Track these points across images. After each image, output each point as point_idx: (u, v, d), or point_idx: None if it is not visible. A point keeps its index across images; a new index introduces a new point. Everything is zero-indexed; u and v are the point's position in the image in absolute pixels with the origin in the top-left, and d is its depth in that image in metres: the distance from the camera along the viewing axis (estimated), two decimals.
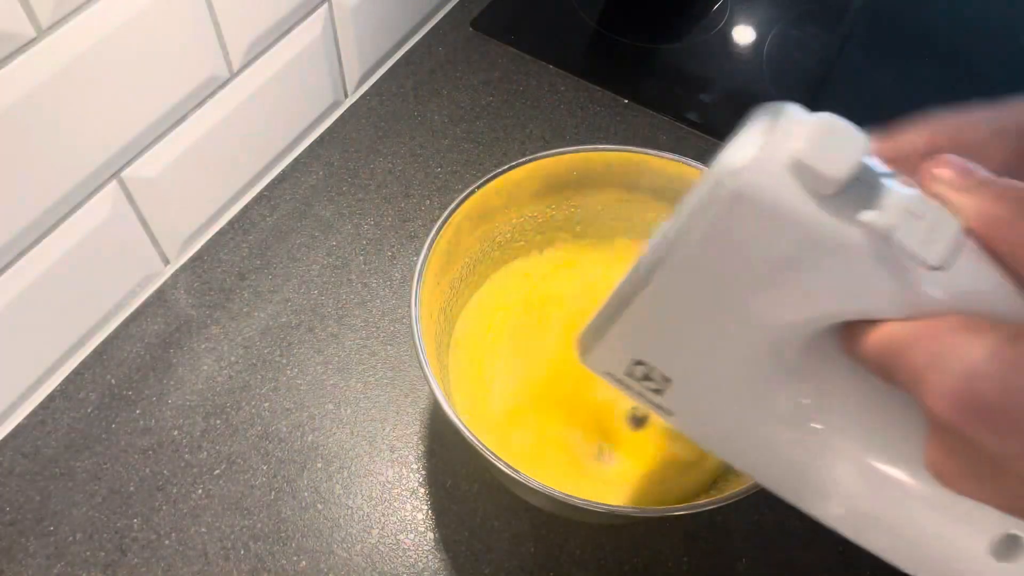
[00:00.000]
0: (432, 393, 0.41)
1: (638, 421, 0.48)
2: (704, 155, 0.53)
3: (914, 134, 0.42)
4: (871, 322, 0.24)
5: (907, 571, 0.28)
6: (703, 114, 0.73)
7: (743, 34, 0.81)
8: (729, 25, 0.81)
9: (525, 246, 0.55)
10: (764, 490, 0.39)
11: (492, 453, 0.39)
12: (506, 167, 0.49)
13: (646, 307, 0.25)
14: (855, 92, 0.78)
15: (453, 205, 0.47)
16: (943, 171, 0.24)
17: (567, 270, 0.55)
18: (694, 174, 0.50)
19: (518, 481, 0.38)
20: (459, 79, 0.75)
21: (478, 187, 0.48)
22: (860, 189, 0.22)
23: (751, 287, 0.24)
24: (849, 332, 0.25)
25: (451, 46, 0.78)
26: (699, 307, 0.25)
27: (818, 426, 0.28)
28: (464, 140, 0.70)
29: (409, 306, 0.43)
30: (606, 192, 0.52)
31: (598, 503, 0.38)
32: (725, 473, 0.47)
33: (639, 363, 0.27)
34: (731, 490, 0.39)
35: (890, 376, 0.24)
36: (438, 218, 0.47)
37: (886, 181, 0.23)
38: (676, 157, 0.50)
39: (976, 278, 0.23)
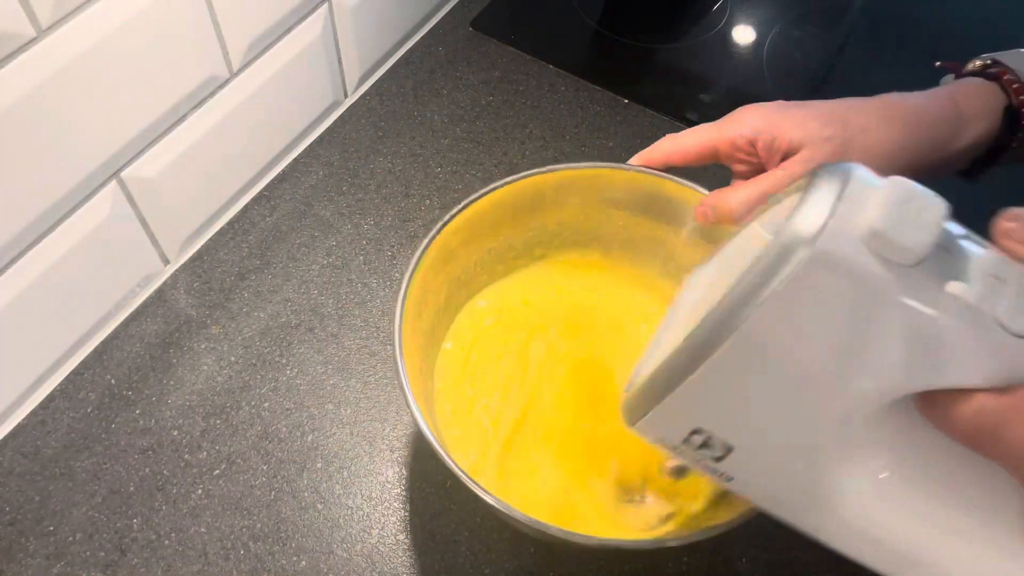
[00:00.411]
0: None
1: (680, 471, 0.44)
2: None
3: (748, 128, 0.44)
4: (958, 391, 0.23)
5: None
6: (703, 114, 0.73)
7: (743, 34, 0.81)
8: (729, 25, 0.81)
9: (488, 279, 0.53)
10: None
11: (497, 499, 0.38)
12: (460, 207, 0.47)
13: (709, 376, 0.24)
14: (855, 92, 0.78)
15: (415, 258, 0.45)
16: (1012, 226, 0.24)
17: (532, 296, 0.54)
18: (646, 179, 0.49)
19: (512, 517, 0.37)
20: (459, 79, 0.75)
21: (437, 232, 0.46)
22: (940, 255, 0.22)
23: (828, 356, 0.23)
24: (932, 400, 0.24)
25: (451, 46, 0.78)
26: (769, 376, 0.24)
27: (893, 495, 0.26)
28: (464, 140, 0.70)
29: (395, 360, 0.42)
30: (562, 210, 0.52)
31: (587, 536, 0.37)
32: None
33: (697, 431, 0.26)
34: (728, 517, 0.38)
35: (982, 450, 0.24)
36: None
37: (965, 244, 0.22)
38: (627, 166, 0.49)
39: None
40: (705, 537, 0.37)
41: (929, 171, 0.46)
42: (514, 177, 0.49)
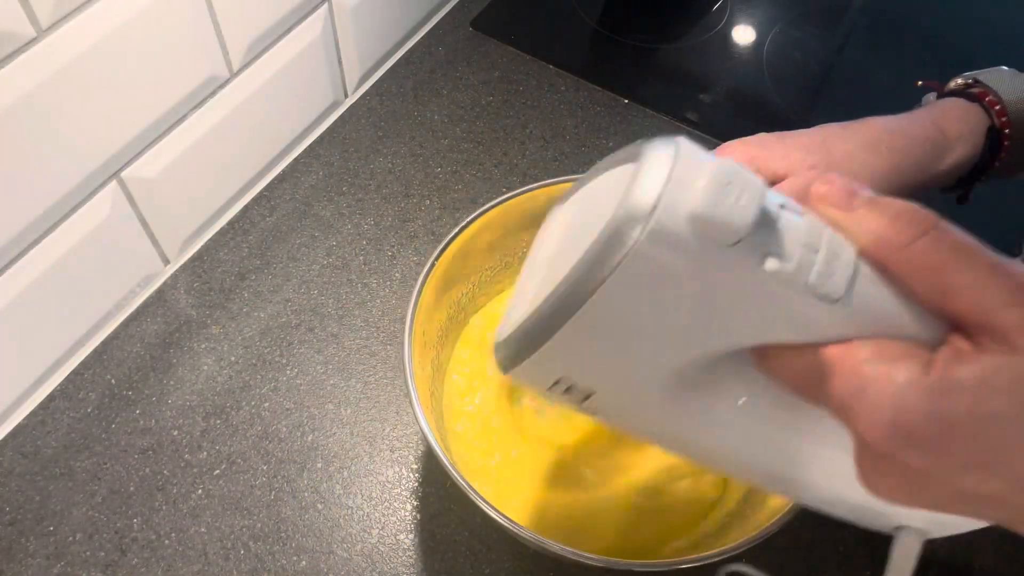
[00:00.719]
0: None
1: None
2: None
3: (797, 157, 0.44)
4: (783, 347, 0.25)
5: (825, 512, 0.30)
6: (703, 114, 0.73)
7: (743, 34, 0.81)
8: (729, 25, 0.81)
9: (486, 300, 0.54)
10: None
11: (503, 514, 0.39)
12: (458, 229, 0.47)
13: (562, 341, 0.26)
14: (855, 92, 0.78)
15: (418, 286, 0.45)
16: (827, 190, 0.25)
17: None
18: None
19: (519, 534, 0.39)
20: (459, 79, 0.75)
21: (436, 258, 0.46)
22: (759, 232, 0.23)
23: (668, 319, 0.25)
24: (763, 354, 0.26)
25: (451, 46, 0.78)
26: (620, 335, 0.26)
27: (750, 420, 0.29)
28: (464, 140, 0.70)
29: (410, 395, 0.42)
30: None
31: (590, 555, 0.39)
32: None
33: (561, 380, 0.28)
34: (742, 537, 0.40)
35: (812, 400, 0.25)
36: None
37: (784, 215, 0.24)
38: None
39: (876, 302, 0.24)
40: (719, 559, 0.38)
41: (913, 192, 0.46)
42: (507, 196, 0.49)
